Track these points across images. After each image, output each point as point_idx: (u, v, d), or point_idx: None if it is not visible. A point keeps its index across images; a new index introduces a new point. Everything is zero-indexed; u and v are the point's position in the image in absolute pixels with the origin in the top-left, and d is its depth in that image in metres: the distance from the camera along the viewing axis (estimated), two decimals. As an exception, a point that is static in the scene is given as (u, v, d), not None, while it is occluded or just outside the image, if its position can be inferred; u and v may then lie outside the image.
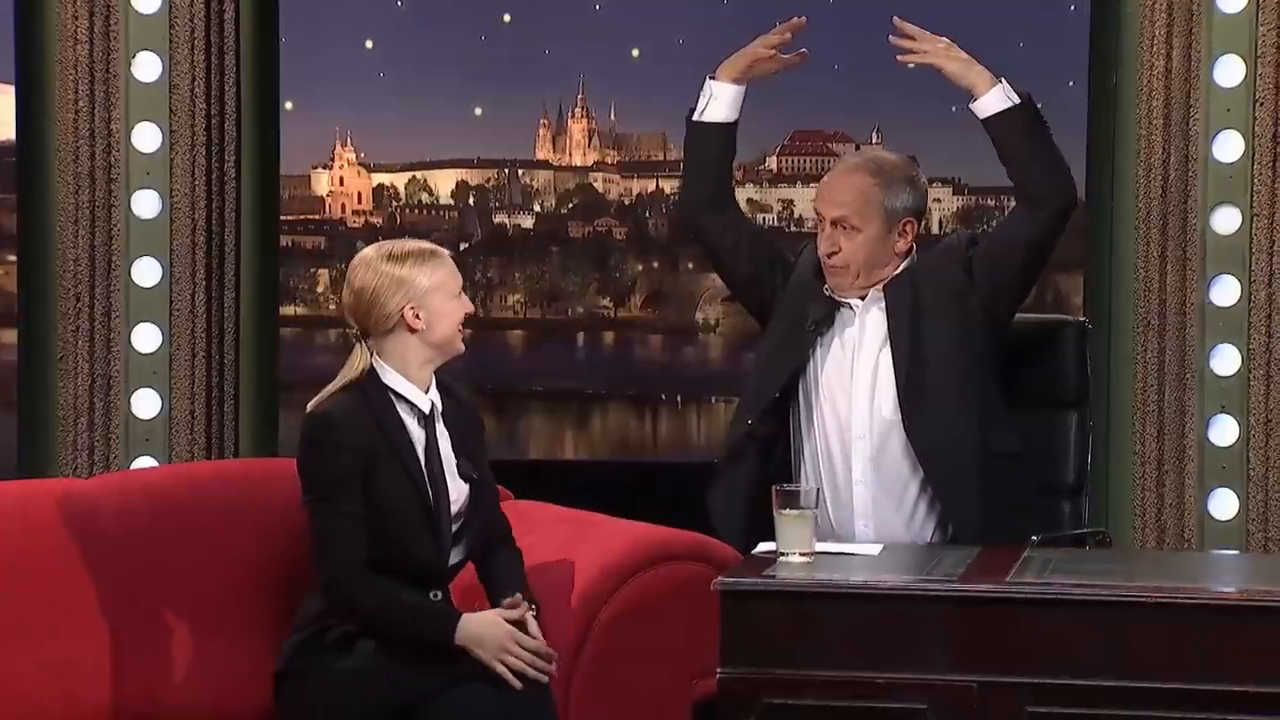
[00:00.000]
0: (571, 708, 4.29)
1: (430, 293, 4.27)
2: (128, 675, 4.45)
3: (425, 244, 4.37)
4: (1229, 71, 5.86)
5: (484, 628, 4.16)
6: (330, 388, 4.29)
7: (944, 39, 4.65)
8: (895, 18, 4.66)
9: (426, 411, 4.30)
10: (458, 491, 4.32)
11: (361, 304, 4.27)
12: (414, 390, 4.29)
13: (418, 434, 4.29)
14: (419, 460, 4.27)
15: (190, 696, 4.47)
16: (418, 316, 4.26)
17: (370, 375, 4.28)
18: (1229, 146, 5.87)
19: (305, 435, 4.26)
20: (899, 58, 4.67)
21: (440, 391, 4.35)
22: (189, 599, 4.51)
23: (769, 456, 4.69)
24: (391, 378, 4.28)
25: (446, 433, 4.34)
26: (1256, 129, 5.85)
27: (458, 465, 4.32)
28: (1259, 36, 5.83)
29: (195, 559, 4.53)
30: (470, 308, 4.36)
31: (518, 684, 4.11)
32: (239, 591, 4.53)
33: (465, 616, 4.16)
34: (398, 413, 4.27)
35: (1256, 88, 5.84)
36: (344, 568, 4.18)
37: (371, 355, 4.28)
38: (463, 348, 4.35)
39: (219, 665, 4.49)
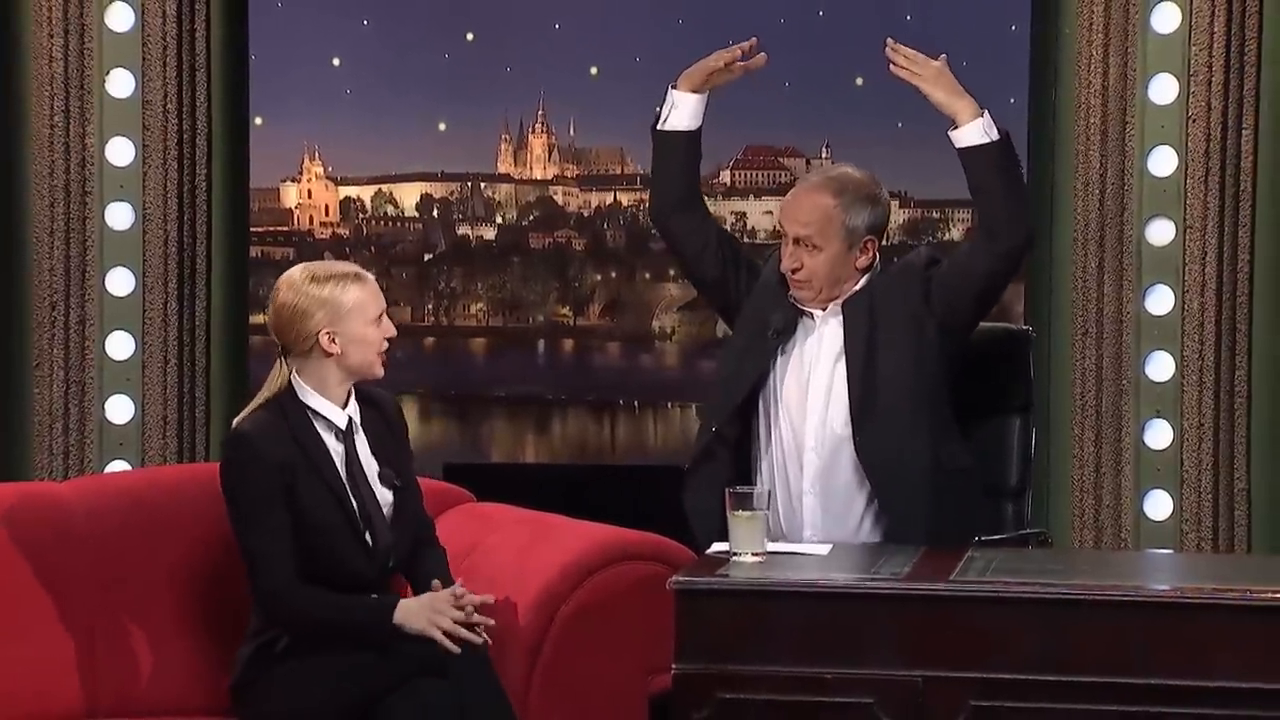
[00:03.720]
0: (530, 703, 4.33)
1: (348, 316, 4.26)
2: (99, 673, 4.48)
3: (350, 266, 4.37)
4: (1163, 89, 5.94)
5: (412, 601, 4.20)
6: (251, 405, 4.32)
7: (936, 62, 4.56)
8: (889, 40, 4.58)
9: (343, 427, 4.32)
10: (384, 499, 4.34)
11: (281, 322, 4.29)
12: (330, 407, 4.30)
13: (336, 448, 4.31)
14: (339, 474, 4.29)
15: (161, 694, 4.50)
16: (334, 341, 4.26)
17: (289, 392, 4.30)
18: (1163, 161, 5.95)
19: (225, 453, 4.30)
20: (892, 68, 4.57)
21: (358, 401, 4.36)
22: (161, 599, 4.54)
23: (741, 456, 4.67)
24: (309, 396, 4.30)
25: (366, 442, 4.35)
26: (1189, 144, 5.91)
27: (380, 474, 4.34)
28: (1191, 56, 5.90)
29: (167, 560, 4.55)
30: (392, 331, 4.34)
31: (454, 648, 4.12)
32: (209, 592, 4.55)
33: (399, 600, 4.20)
34: (315, 429, 4.29)
35: (1189, 105, 5.91)
36: (277, 584, 4.20)
37: (291, 372, 4.30)
38: (381, 373, 4.34)
39: (189, 664, 4.52)
